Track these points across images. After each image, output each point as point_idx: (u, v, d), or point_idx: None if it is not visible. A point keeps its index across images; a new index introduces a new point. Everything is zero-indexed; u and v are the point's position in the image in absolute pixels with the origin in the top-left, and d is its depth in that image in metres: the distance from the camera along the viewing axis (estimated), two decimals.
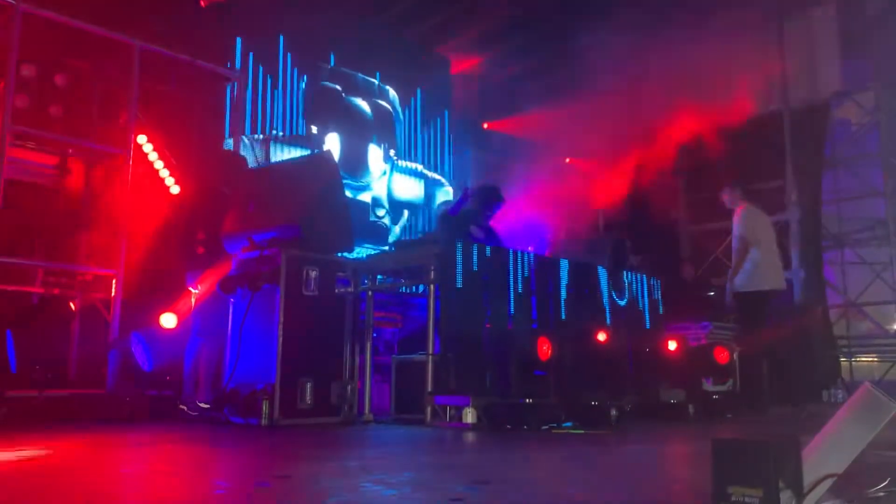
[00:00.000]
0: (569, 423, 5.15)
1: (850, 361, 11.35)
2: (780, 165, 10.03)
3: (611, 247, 8.49)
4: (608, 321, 6.67)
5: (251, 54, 7.42)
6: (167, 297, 5.85)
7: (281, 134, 7.61)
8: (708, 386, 7.05)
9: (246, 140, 7.29)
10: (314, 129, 7.83)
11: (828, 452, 1.72)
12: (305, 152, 7.59)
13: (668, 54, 11.04)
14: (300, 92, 7.97)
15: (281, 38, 7.76)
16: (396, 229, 8.44)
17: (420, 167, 8.88)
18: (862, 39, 10.57)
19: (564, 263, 6.89)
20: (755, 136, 10.08)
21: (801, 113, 10.07)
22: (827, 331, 10.13)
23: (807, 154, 10.11)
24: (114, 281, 6.00)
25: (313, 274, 5.25)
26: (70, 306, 6.17)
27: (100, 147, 6.34)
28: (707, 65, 10.51)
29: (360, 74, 8.52)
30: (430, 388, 5.34)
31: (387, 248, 7.44)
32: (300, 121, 7.84)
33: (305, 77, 8.07)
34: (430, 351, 5.39)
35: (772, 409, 7.57)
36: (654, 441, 4.54)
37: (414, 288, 6.92)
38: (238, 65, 7.32)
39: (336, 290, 5.41)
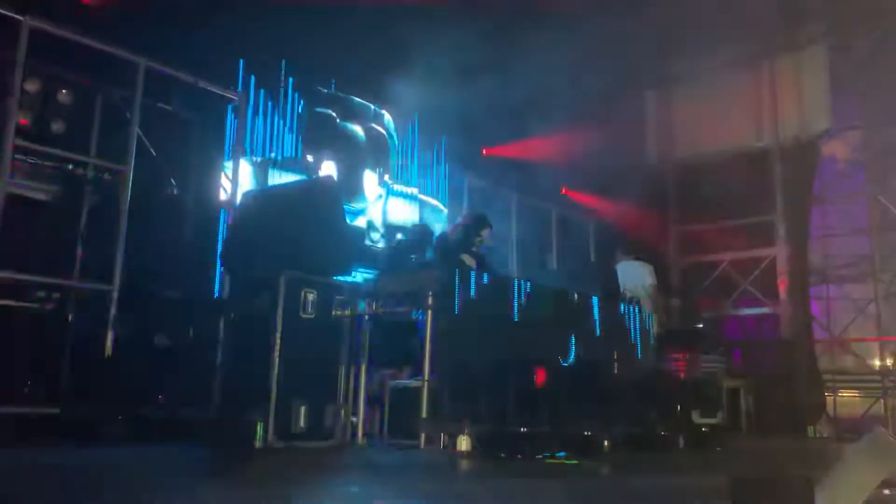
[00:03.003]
0: (562, 454, 5.17)
1: (835, 397, 11.47)
2: (769, 201, 10.19)
3: (602, 276, 8.62)
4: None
5: (252, 77, 7.46)
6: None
7: (279, 158, 7.62)
8: (697, 418, 7.10)
9: (245, 162, 7.31)
10: (310, 158, 7.85)
11: (839, 492, 1.76)
12: (302, 177, 7.61)
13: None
14: (298, 116, 8.01)
15: (283, 61, 7.82)
16: (391, 253, 8.45)
17: (415, 191, 8.92)
18: (850, 79, 10.82)
19: (560, 293, 6.95)
20: (746, 171, 10.25)
21: (790, 149, 10.26)
22: (812, 366, 10.24)
23: (796, 190, 10.29)
24: (111, 297, 5.98)
25: (311, 296, 5.27)
26: (65, 322, 6.13)
27: (100, 163, 6.35)
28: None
29: (356, 98, 8.57)
30: (424, 414, 5.34)
31: (383, 272, 7.45)
32: (298, 145, 7.87)
33: (302, 102, 8.10)
34: (426, 377, 5.40)
35: (756, 441, 7.66)
36: (649, 473, 4.56)
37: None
38: (240, 87, 7.35)
39: (333, 313, 5.42)
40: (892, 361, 11.71)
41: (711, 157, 10.57)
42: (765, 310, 10.29)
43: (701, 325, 9.52)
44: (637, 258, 8.41)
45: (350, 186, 7.75)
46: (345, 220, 5.86)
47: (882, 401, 11.13)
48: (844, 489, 1.74)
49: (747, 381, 9.14)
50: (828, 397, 10.80)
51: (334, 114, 8.17)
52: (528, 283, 6.99)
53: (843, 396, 11.60)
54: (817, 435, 8.86)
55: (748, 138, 10.53)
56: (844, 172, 11.47)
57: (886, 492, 2.88)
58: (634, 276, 7.94)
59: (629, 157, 11.10)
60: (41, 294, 6.15)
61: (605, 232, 11.13)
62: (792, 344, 9.91)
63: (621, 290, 7.90)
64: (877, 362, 11.80)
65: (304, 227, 5.28)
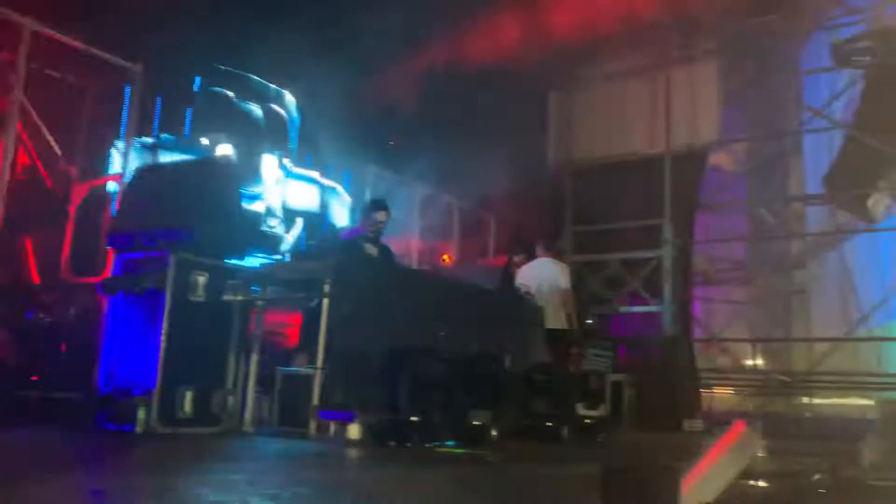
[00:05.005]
0: (451, 442, 5.26)
1: (710, 393, 12.14)
2: (658, 205, 10.66)
3: (501, 271, 8.79)
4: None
5: (151, 51, 7.13)
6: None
7: (173, 138, 7.31)
8: (582, 410, 7.37)
9: (137, 141, 6.96)
10: (205, 141, 7.55)
11: (702, 481, 1.89)
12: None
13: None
14: (194, 95, 7.72)
15: (183, 35, 7.51)
16: (289, 237, 8.31)
17: (315, 174, 8.77)
18: (738, 94, 11.45)
19: (455, 284, 7.05)
20: (638, 175, 10.70)
21: (680, 158, 10.75)
22: (691, 363, 10.80)
23: (683, 196, 10.80)
24: None
25: (202, 279, 5.14)
26: None
27: None
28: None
29: (254, 77, 8.33)
30: (315, 402, 5.31)
31: (279, 257, 7.33)
32: (193, 125, 7.57)
33: (198, 79, 7.81)
34: (319, 364, 5.36)
35: (635, 433, 8.04)
36: (532, 462, 4.71)
37: None
38: (138, 61, 6.98)
39: (225, 298, 5.30)
40: (762, 361, 12.51)
41: (607, 160, 10.96)
42: (650, 308, 10.78)
43: (590, 322, 9.85)
44: (554, 257, 8.43)
45: (247, 170, 7.54)
46: (239, 202, 5.73)
47: (754, 398, 11.86)
48: (706, 479, 1.87)
49: (631, 375, 9.53)
50: (704, 393, 11.41)
51: (231, 93, 7.91)
52: (427, 274, 7.04)
53: (717, 393, 12.27)
54: (692, 429, 9.34)
55: (642, 145, 10.97)
56: (728, 182, 12.13)
57: (762, 483, 3.10)
58: (549, 273, 7.95)
59: (530, 156, 11.37)
60: None
61: (503, 228, 11.35)
62: (673, 341, 10.43)
63: (519, 283, 7.99)
64: (749, 362, 12.58)
65: (197, 207, 5.14)
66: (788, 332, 12.43)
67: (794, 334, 12.36)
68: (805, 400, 11.95)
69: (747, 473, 2.70)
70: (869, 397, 10.44)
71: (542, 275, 7.88)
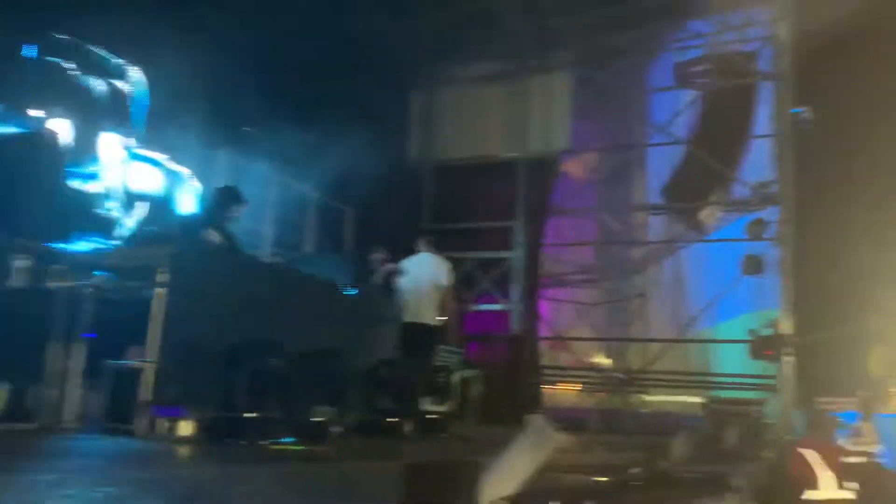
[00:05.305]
0: (289, 439, 5.16)
1: (554, 389, 12.67)
2: (512, 208, 11.02)
3: (356, 263, 8.73)
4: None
5: None
6: None
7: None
8: (428, 406, 7.46)
9: None
10: (37, 114, 6.96)
11: (502, 476, 1.95)
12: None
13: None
14: (26, 64, 7.12)
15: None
16: (129, 223, 7.83)
17: (161, 157, 8.31)
18: (590, 106, 12.02)
19: (301, 277, 6.93)
20: (494, 178, 11.01)
21: (533, 164, 11.17)
22: (534, 360, 11.23)
23: (535, 201, 11.22)
24: None
25: (21, 263, 4.77)
26: None
27: None
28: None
29: (96, 50, 7.78)
30: (145, 397, 5.04)
31: (115, 243, 6.87)
32: (23, 97, 6.95)
33: (36, 48, 7.20)
34: (151, 358, 5.10)
35: (481, 429, 8.25)
36: (366, 458, 4.71)
37: None
38: None
39: (48, 285, 4.94)
40: (603, 360, 13.21)
41: (466, 161, 11.19)
42: (500, 306, 11.12)
43: (442, 319, 9.99)
44: (436, 253, 8.28)
45: (83, 148, 7.04)
46: (64, 181, 5.35)
47: (595, 395, 12.49)
48: (505, 473, 1.93)
49: (479, 372, 9.79)
50: (548, 389, 11.89)
51: (70, 64, 7.36)
52: (274, 265, 6.87)
53: (561, 389, 12.83)
54: None
55: (498, 149, 11.30)
56: (579, 189, 12.71)
57: (588, 477, 3.22)
58: (430, 269, 7.84)
59: (391, 152, 11.40)
60: None
61: (361, 221, 11.30)
62: (519, 339, 10.81)
63: (403, 280, 7.85)
64: (591, 360, 13.24)
65: (16, 185, 4.76)
66: (627, 332, 13.20)
67: (632, 335, 13.14)
68: (641, 397, 12.73)
69: (575, 467, 2.81)
70: (697, 395, 11.26)
71: (422, 270, 7.84)
